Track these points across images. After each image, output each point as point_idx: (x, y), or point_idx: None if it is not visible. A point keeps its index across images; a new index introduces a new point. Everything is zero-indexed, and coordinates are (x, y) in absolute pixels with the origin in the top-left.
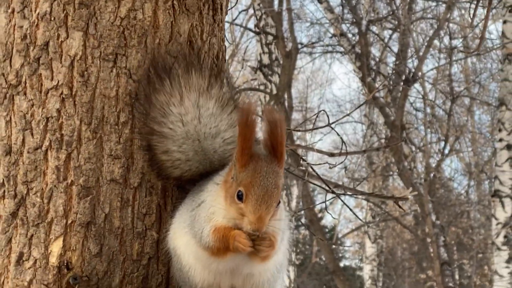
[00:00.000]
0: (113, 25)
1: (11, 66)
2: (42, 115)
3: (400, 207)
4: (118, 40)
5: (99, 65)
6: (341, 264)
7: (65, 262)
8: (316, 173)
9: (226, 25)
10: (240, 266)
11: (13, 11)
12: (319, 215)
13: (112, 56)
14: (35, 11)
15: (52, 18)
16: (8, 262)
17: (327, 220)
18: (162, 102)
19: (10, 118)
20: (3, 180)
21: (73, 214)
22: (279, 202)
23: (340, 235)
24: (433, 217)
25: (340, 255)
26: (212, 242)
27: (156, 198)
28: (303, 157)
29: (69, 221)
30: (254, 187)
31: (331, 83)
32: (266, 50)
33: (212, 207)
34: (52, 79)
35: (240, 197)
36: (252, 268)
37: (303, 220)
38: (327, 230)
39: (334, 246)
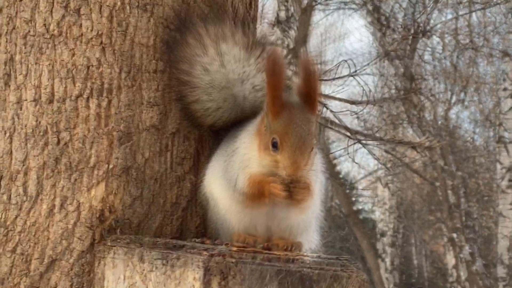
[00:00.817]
0: None
1: (52, 17)
2: (83, 63)
3: (418, 152)
4: None
5: (136, 15)
6: (355, 208)
7: (108, 205)
8: (339, 120)
9: None
10: (275, 210)
11: None
12: (334, 161)
13: (149, 6)
14: None
15: None
16: (53, 206)
17: (342, 167)
18: (188, 53)
19: (53, 67)
20: (47, 127)
21: (114, 159)
22: (313, 148)
23: (353, 181)
24: (441, 162)
25: (354, 199)
26: (247, 189)
27: (193, 143)
28: (326, 105)
29: (111, 166)
30: (288, 135)
31: (345, 37)
32: (282, 6)
33: (246, 155)
34: (92, 29)
35: (274, 145)
36: (287, 211)
37: None
38: (341, 175)
39: (348, 191)
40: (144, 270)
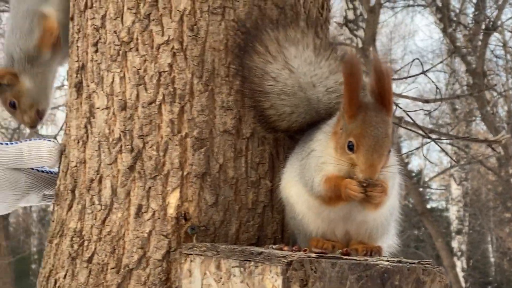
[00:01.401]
0: None
1: (122, 23)
2: (154, 70)
3: (493, 149)
4: None
5: (207, 19)
6: (428, 206)
7: (182, 213)
8: (412, 120)
9: None
10: (353, 213)
11: None
12: (406, 160)
13: (220, 10)
14: None
15: None
16: (128, 215)
17: (413, 165)
18: (257, 60)
19: (124, 74)
20: (120, 135)
21: (189, 165)
22: (390, 150)
23: (426, 179)
24: None
25: (427, 197)
26: (323, 191)
27: (268, 147)
28: (398, 104)
29: (185, 173)
30: (365, 137)
31: (413, 35)
32: (350, 5)
33: (322, 157)
34: (162, 35)
35: (350, 147)
36: (365, 215)
37: None
38: (413, 174)
39: (421, 189)
40: (221, 278)
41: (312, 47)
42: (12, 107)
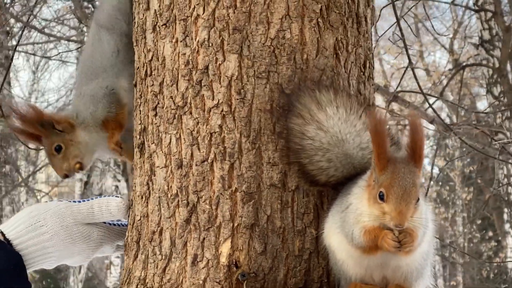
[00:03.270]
0: (264, 45)
1: (177, 89)
2: (206, 131)
3: None
4: (269, 58)
5: (253, 83)
6: None
7: (234, 261)
8: None
9: (446, 6)
10: (388, 260)
11: (176, 41)
12: None
13: (265, 74)
14: (195, 39)
15: (210, 44)
16: (185, 264)
17: None
18: (296, 121)
19: (180, 135)
20: (177, 191)
21: (239, 217)
22: (418, 199)
23: None
24: None
25: None
26: (363, 243)
27: (313, 198)
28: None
29: (236, 224)
30: (394, 187)
31: None
32: (486, 26)
33: (358, 209)
34: (213, 99)
35: (381, 197)
36: (398, 261)
37: None
38: None
39: None
40: None
41: (348, 107)
42: (57, 151)
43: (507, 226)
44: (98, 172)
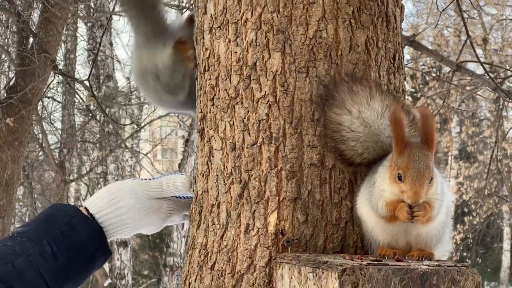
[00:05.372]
0: (304, 44)
1: (230, 83)
2: (255, 118)
3: None
4: (308, 55)
5: (295, 77)
6: None
7: (280, 229)
8: None
9: None
10: (409, 228)
11: (229, 41)
12: None
13: (305, 69)
14: (245, 39)
15: (257, 44)
16: (239, 232)
17: None
18: (333, 114)
19: (233, 122)
20: (231, 170)
21: (284, 192)
22: (432, 178)
23: None
24: None
25: None
26: (385, 213)
27: (347, 175)
28: None
29: (281, 198)
30: (410, 169)
31: None
32: None
33: (381, 186)
34: (260, 91)
35: (399, 178)
36: (419, 229)
37: None
38: None
39: None
40: (301, 281)
41: (378, 100)
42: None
43: None
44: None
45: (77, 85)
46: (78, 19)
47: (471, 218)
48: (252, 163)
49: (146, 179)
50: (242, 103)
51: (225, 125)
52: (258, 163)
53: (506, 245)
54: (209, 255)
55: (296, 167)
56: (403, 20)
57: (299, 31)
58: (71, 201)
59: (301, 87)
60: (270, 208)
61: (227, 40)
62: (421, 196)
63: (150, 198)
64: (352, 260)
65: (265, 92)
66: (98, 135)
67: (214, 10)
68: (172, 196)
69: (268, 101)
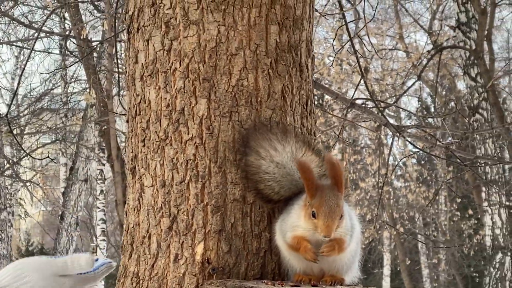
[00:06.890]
0: (227, 91)
1: (160, 126)
2: (183, 158)
3: None
4: (231, 101)
5: (219, 121)
6: None
7: (206, 258)
8: None
9: None
10: (324, 257)
11: (159, 88)
12: None
13: (228, 114)
14: (174, 86)
15: (185, 91)
16: (169, 261)
17: None
18: (253, 158)
19: (163, 161)
20: (161, 205)
21: (209, 225)
22: (342, 215)
23: None
24: None
25: None
26: (291, 243)
27: (266, 209)
28: None
29: (207, 230)
30: (322, 207)
31: None
32: (462, 8)
33: (296, 222)
34: (188, 133)
35: (313, 215)
36: (331, 258)
37: None
38: None
39: None
40: None
41: (292, 143)
42: None
43: (485, 204)
44: (83, 157)
45: None
46: None
47: None
48: (181, 199)
49: (52, 257)
50: (171, 144)
51: (156, 164)
52: (186, 199)
53: (386, 270)
54: (141, 282)
55: (220, 202)
56: (314, 69)
57: (223, 80)
58: None
59: (225, 130)
60: (197, 239)
61: (157, 87)
62: (332, 229)
63: (55, 275)
64: (274, 286)
65: (192, 135)
66: None
67: (145, 60)
68: (77, 274)
69: (195, 142)
